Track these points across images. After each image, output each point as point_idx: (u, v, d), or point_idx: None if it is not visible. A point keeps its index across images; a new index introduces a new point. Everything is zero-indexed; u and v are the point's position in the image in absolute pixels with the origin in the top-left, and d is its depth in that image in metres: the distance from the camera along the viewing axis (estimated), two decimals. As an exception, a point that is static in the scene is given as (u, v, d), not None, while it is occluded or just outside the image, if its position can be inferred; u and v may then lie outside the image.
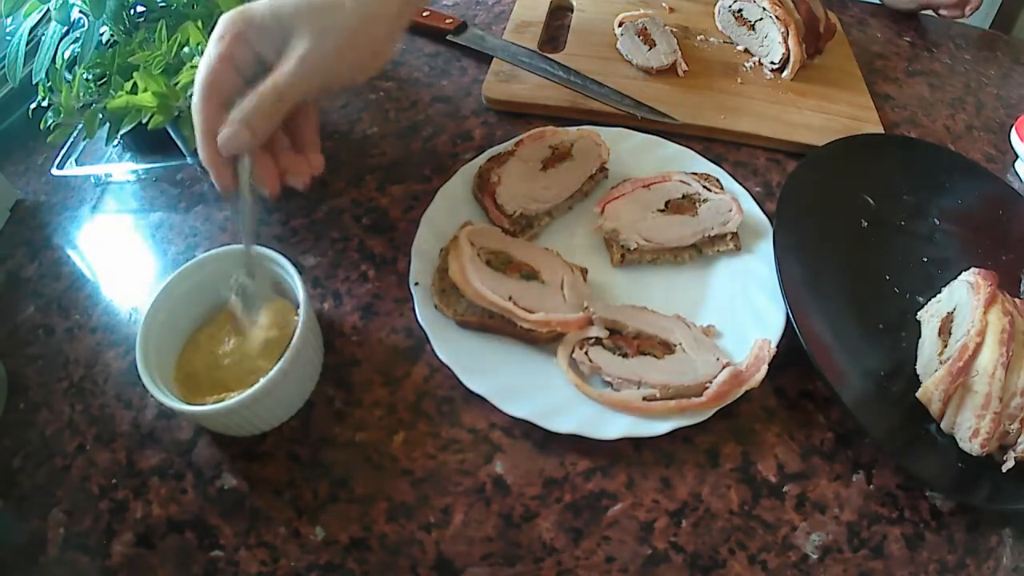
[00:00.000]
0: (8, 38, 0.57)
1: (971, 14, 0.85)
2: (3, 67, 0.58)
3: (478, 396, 0.49)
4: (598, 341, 0.51)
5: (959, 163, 0.70)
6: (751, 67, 0.78)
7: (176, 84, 0.52)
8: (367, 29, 0.46)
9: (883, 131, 0.72)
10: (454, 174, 0.63)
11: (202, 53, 0.46)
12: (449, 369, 0.50)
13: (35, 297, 0.58)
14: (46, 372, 0.54)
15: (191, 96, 0.44)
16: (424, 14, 0.80)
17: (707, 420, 0.49)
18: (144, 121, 0.53)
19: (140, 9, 0.59)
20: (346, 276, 0.59)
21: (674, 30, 0.79)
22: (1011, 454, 0.47)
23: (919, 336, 0.55)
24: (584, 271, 0.56)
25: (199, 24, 0.53)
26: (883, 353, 0.54)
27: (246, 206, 0.47)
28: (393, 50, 0.52)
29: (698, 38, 0.81)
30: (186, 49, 0.54)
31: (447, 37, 0.80)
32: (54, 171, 0.65)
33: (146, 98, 0.52)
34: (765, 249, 0.58)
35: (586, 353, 0.51)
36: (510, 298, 0.52)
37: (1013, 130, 0.75)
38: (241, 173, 0.46)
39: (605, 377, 0.50)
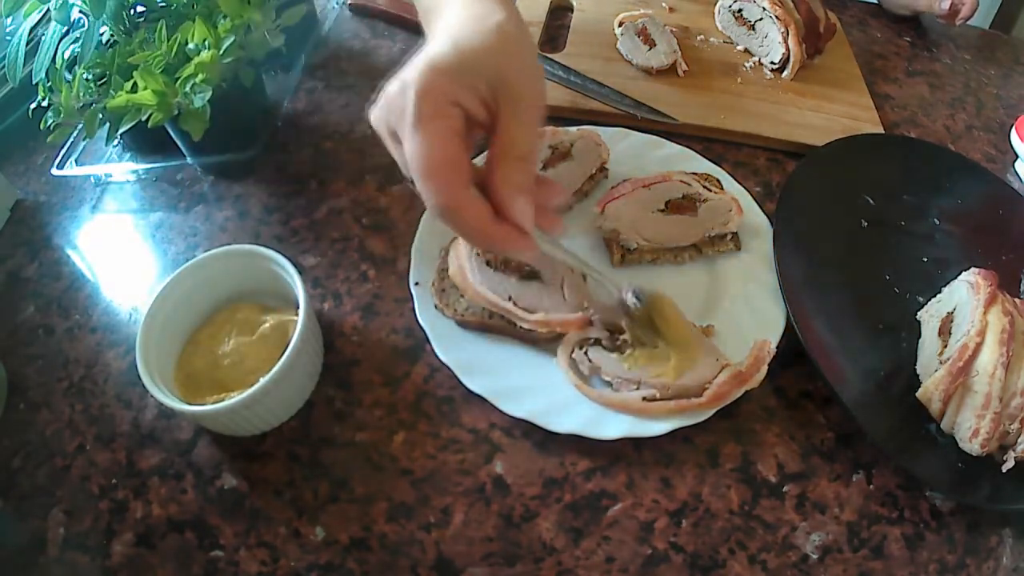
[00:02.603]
0: (8, 38, 0.57)
1: (960, 24, 0.85)
2: (3, 67, 0.58)
3: (478, 396, 0.49)
4: (598, 341, 0.51)
5: (959, 163, 0.70)
6: (751, 67, 0.78)
7: (176, 80, 0.52)
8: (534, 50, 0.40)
9: (883, 131, 0.72)
10: (454, 174, 0.63)
11: (208, 48, 0.44)
12: (449, 369, 0.50)
13: (35, 297, 0.58)
14: (46, 372, 0.54)
15: (199, 94, 0.42)
16: None
17: (707, 420, 0.49)
18: (144, 119, 0.53)
19: (140, 9, 0.59)
20: (346, 276, 0.59)
21: (674, 30, 0.79)
22: (1011, 454, 0.47)
23: (919, 336, 0.55)
24: (584, 271, 0.56)
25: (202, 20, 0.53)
26: (883, 353, 0.54)
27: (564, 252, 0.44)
28: None
29: (698, 38, 0.81)
30: (190, 46, 0.54)
31: (447, 37, 0.79)
32: (54, 171, 0.65)
33: (146, 96, 0.52)
34: (765, 249, 0.58)
35: (586, 353, 0.51)
36: (510, 298, 0.51)
37: (1013, 130, 0.75)
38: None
39: (605, 377, 0.50)
